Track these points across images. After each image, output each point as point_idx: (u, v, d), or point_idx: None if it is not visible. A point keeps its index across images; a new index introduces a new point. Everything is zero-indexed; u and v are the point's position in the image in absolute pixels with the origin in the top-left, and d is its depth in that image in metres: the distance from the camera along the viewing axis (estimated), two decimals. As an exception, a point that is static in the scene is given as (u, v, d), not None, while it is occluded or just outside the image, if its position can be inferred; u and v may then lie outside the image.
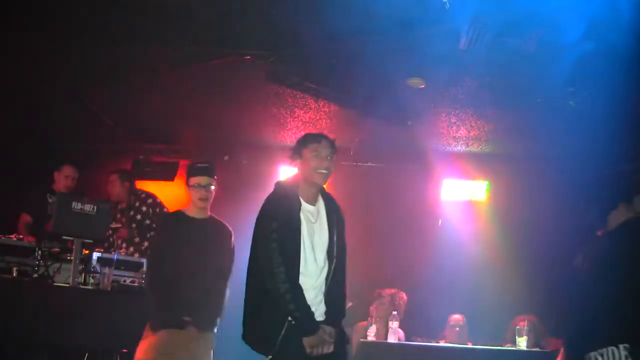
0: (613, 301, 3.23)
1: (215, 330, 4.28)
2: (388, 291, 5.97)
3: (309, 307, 3.28)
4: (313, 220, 3.44)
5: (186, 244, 4.28)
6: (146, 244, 5.83)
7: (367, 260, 6.76)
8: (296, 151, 3.48)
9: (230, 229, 4.54)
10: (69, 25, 4.57)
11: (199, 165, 4.39)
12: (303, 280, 3.32)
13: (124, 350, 4.71)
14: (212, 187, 4.38)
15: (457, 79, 5.12)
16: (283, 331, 3.24)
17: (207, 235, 4.37)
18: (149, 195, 6.15)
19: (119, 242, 5.86)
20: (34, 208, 5.71)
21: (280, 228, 3.29)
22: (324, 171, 3.41)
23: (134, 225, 5.90)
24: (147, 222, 5.91)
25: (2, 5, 4.30)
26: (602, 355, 3.18)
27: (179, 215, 4.42)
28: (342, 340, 3.42)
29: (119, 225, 5.87)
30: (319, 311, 3.37)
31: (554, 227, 6.63)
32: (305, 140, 3.48)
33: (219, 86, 5.67)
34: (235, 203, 7.30)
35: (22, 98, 6.06)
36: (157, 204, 6.04)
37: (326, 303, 3.41)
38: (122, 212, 5.99)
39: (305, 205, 3.44)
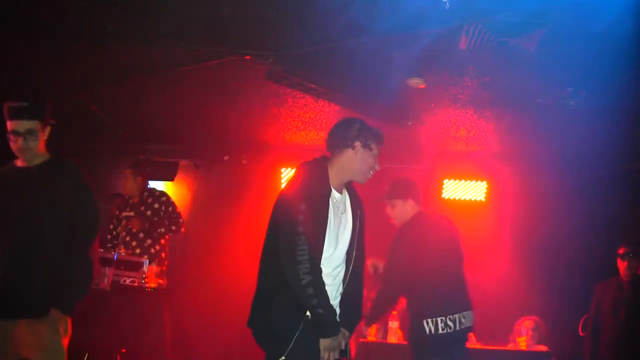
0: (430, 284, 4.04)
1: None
2: None
3: (332, 306, 2.90)
4: (341, 211, 3.08)
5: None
6: (149, 241, 5.83)
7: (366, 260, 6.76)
8: (363, 137, 3.06)
9: (77, 172, 3.44)
10: (68, 25, 4.57)
11: (14, 105, 3.28)
12: (324, 276, 2.93)
13: (124, 350, 4.72)
14: (36, 134, 3.30)
15: (457, 79, 5.11)
16: (299, 330, 2.84)
17: (25, 187, 3.32)
18: (163, 193, 6.17)
19: (124, 233, 5.87)
20: None
21: (309, 211, 2.85)
22: (372, 173, 3.14)
23: (144, 219, 5.90)
24: (156, 219, 5.91)
25: (1, 5, 4.30)
26: (433, 322, 3.96)
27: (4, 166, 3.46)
28: (344, 350, 3.05)
29: (132, 214, 5.88)
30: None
31: (554, 227, 6.64)
32: (373, 134, 3.10)
33: (219, 86, 5.67)
34: (235, 203, 7.32)
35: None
36: (170, 203, 6.05)
37: (342, 306, 3.03)
38: (132, 206, 6.00)
39: (334, 193, 3.05)
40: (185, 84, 5.66)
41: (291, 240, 2.83)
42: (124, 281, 4.96)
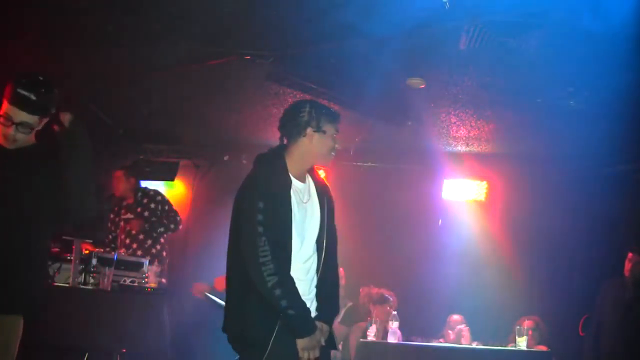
0: None
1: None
2: (385, 292, 5.98)
3: (304, 304, 2.78)
4: (304, 200, 2.92)
5: None
6: (150, 242, 5.83)
7: (366, 260, 6.76)
8: (315, 122, 2.92)
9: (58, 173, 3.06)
10: (68, 25, 4.57)
11: (22, 92, 2.89)
12: (295, 271, 2.81)
13: (124, 350, 4.72)
14: (30, 128, 2.96)
15: (457, 79, 5.11)
16: (275, 331, 2.73)
17: (14, 168, 2.95)
18: (158, 192, 6.17)
19: (123, 236, 5.86)
20: None
21: (268, 208, 2.74)
22: (334, 154, 2.99)
23: (142, 221, 5.90)
24: (154, 219, 5.90)
25: (0, 6, 4.30)
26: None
27: None
28: (329, 343, 2.92)
29: (131, 217, 5.87)
30: (312, 307, 2.89)
31: (554, 227, 6.64)
32: (329, 114, 2.96)
33: (219, 86, 5.67)
34: (235, 203, 7.32)
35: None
36: (165, 201, 6.05)
37: (318, 298, 2.92)
38: (128, 208, 5.99)
39: (295, 183, 2.92)
40: (185, 83, 5.66)
41: (252, 242, 2.73)
42: (124, 281, 4.96)
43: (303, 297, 2.81)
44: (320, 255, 2.94)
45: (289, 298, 2.72)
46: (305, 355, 2.78)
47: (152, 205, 5.96)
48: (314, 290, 2.92)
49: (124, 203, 6.05)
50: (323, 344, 2.85)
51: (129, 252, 5.64)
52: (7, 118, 2.94)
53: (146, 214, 5.92)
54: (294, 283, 2.77)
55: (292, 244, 2.81)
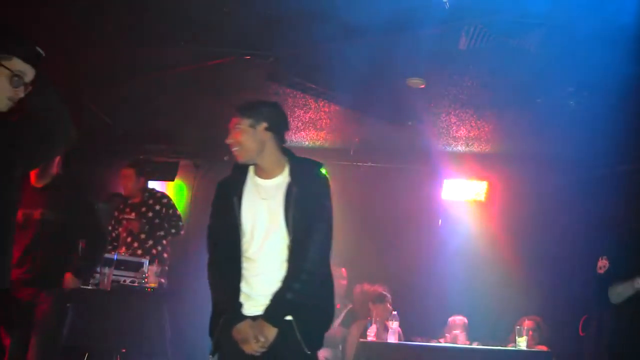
0: None
1: None
2: (379, 289, 5.99)
3: (228, 295, 2.85)
4: (266, 197, 2.88)
5: None
6: (150, 242, 5.82)
7: (366, 260, 6.76)
8: None
9: None
10: (68, 25, 4.57)
11: None
12: (251, 268, 2.86)
13: (124, 350, 4.72)
14: None
15: (457, 79, 5.12)
16: (220, 326, 2.85)
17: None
18: (164, 195, 6.16)
19: (124, 235, 5.86)
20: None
21: (216, 210, 3.02)
22: (232, 148, 2.93)
23: (144, 221, 5.89)
24: (157, 221, 5.90)
25: (1, 5, 4.30)
26: None
27: None
28: (292, 346, 2.74)
29: (132, 217, 5.86)
30: None
31: (554, 227, 6.64)
32: None
33: (219, 86, 5.67)
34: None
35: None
36: (170, 205, 6.03)
37: None
38: (132, 207, 5.97)
39: (257, 180, 2.94)
40: (185, 84, 5.66)
41: None
42: (124, 281, 4.96)
43: (263, 293, 2.79)
44: (290, 249, 2.83)
45: (215, 289, 2.93)
46: (245, 348, 2.76)
47: (157, 207, 5.95)
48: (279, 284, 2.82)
49: (129, 202, 6.03)
50: (261, 340, 2.73)
51: (129, 251, 5.64)
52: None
53: (150, 214, 5.91)
54: (223, 274, 2.90)
55: (243, 241, 2.89)
